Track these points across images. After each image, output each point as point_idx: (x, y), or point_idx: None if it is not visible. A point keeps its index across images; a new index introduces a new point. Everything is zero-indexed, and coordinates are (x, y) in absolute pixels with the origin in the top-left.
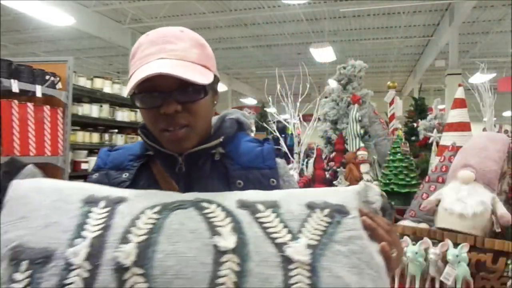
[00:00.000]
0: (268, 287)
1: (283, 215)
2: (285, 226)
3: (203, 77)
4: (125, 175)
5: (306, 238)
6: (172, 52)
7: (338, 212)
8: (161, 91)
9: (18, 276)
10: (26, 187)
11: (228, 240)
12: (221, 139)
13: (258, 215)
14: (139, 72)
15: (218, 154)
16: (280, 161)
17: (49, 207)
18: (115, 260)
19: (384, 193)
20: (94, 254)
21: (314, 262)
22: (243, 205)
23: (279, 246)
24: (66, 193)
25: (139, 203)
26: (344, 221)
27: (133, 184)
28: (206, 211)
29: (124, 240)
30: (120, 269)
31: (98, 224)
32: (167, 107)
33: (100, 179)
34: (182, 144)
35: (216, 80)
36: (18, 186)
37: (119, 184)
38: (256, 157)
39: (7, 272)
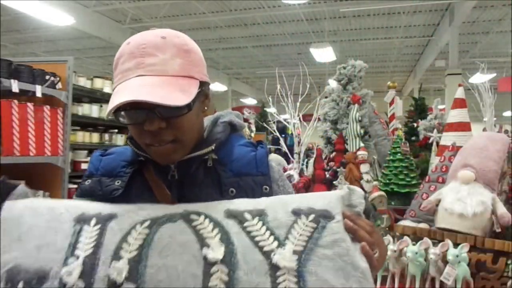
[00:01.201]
0: None
1: (270, 223)
2: (272, 234)
3: (183, 96)
4: (118, 182)
5: (292, 244)
6: (150, 67)
7: (323, 217)
8: (143, 108)
9: None
10: (20, 208)
11: (216, 251)
12: (212, 147)
13: (246, 224)
14: (116, 93)
15: (210, 160)
16: (274, 164)
17: (42, 227)
18: (108, 277)
19: (366, 196)
20: (87, 272)
21: (301, 268)
22: (231, 214)
23: (267, 254)
24: (58, 212)
25: (129, 219)
26: (329, 225)
27: (126, 191)
28: (194, 223)
29: (116, 256)
30: (113, 286)
31: (90, 243)
32: (150, 124)
33: (92, 186)
34: (170, 158)
35: (205, 84)
36: (11, 208)
37: (111, 192)
38: (249, 163)
39: None
